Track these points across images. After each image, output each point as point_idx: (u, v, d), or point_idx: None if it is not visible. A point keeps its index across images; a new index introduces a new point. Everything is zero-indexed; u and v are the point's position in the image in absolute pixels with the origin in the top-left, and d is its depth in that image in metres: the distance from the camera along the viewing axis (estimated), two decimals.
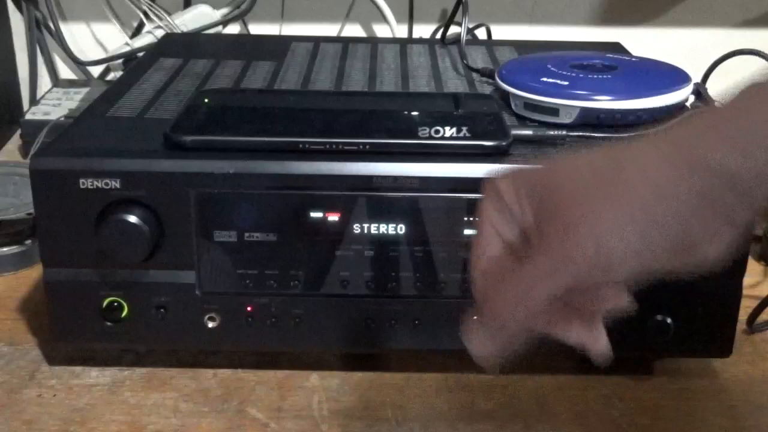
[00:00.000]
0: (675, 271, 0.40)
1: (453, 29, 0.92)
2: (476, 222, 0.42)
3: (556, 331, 0.43)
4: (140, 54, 1.01)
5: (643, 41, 1.08)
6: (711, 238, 0.38)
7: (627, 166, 0.37)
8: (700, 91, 0.69)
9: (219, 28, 1.07)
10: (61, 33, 1.07)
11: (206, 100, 0.63)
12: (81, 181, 0.55)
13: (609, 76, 0.67)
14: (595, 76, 0.66)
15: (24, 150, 0.95)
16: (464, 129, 0.57)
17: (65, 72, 1.12)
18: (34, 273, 0.75)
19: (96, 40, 1.11)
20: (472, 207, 0.56)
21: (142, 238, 0.55)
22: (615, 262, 0.37)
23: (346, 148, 0.57)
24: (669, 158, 0.36)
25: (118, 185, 0.55)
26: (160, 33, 1.03)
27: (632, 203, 0.36)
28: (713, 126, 0.37)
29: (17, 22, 1.09)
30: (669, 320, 0.58)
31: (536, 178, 0.40)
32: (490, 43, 0.91)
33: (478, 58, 0.82)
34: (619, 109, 0.62)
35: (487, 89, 0.73)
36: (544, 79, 0.65)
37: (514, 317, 0.40)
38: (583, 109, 0.62)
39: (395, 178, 0.56)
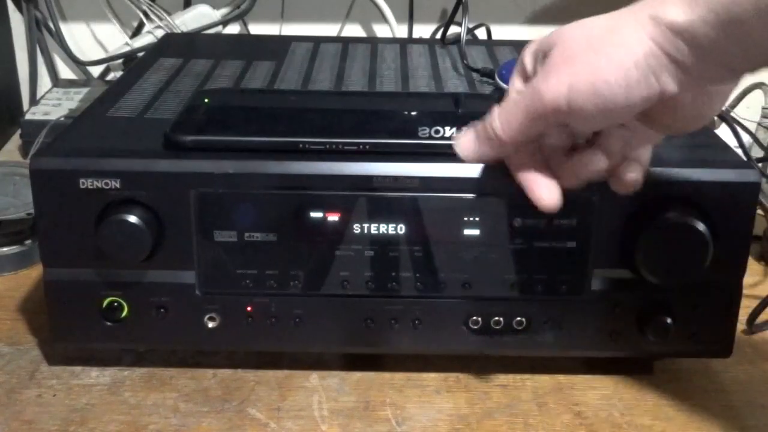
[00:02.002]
0: (646, 123, 0.48)
1: (453, 29, 0.92)
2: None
3: (520, 171, 0.51)
4: (140, 54, 1.01)
5: None
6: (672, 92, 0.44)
7: (610, 35, 0.44)
8: None
9: (219, 28, 1.07)
10: (61, 33, 1.07)
11: (206, 100, 0.63)
12: (81, 181, 0.55)
13: None
14: None
15: (24, 150, 0.95)
16: (464, 129, 0.57)
17: (65, 72, 1.12)
18: (34, 273, 0.75)
19: (96, 40, 1.11)
20: (472, 207, 0.56)
21: (142, 238, 0.55)
22: (577, 112, 0.44)
23: (346, 148, 0.57)
24: (640, 24, 0.43)
25: (118, 185, 0.55)
26: (160, 33, 1.03)
27: (605, 68, 0.43)
28: None
29: (17, 22, 1.09)
30: (669, 320, 0.58)
31: (544, 40, 0.48)
32: (490, 43, 0.91)
33: (478, 58, 0.82)
34: None
35: (487, 89, 0.73)
36: None
37: (497, 130, 0.49)
38: None
39: (395, 178, 0.56)
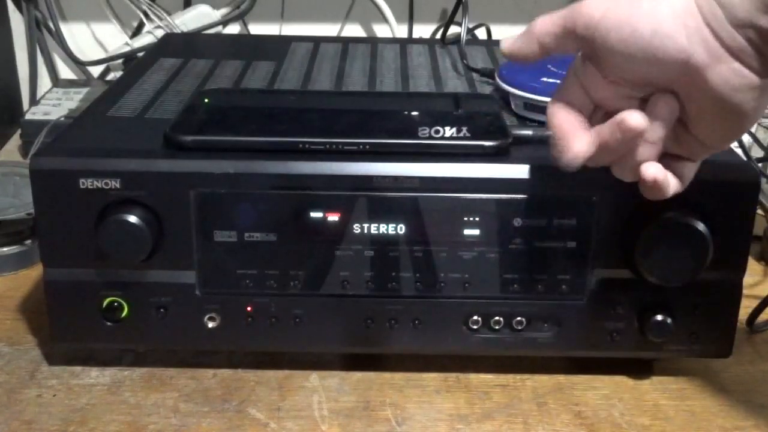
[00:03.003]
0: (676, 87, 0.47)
1: (453, 29, 0.92)
2: None
3: (560, 115, 0.50)
4: (140, 54, 1.01)
5: None
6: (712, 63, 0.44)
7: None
8: None
9: (219, 28, 1.07)
10: (61, 33, 1.07)
11: (206, 100, 0.63)
12: (81, 181, 0.55)
13: None
14: None
15: (24, 150, 0.95)
16: (464, 129, 0.57)
17: (65, 72, 1.12)
18: (34, 273, 0.75)
19: (96, 40, 1.11)
20: (472, 207, 0.56)
21: (142, 238, 0.55)
22: (603, 38, 0.46)
23: (346, 148, 0.57)
24: None
25: (118, 185, 0.55)
26: (160, 33, 1.03)
27: (644, 10, 0.44)
28: None
29: (17, 22, 1.09)
30: (669, 320, 0.58)
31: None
32: (490, 43, 0.91)
33: (478, 58, 0.82)
34: None
35: (487, 89, 0.73)
36: (544, 79, 0.65)
37: (535, 23, 0.50)
38: None
39: (395, 178, 0.56)
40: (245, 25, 1.09)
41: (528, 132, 0.60)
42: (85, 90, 1.01)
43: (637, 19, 0.44)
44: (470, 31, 0.97)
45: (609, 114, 0.49)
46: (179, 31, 1.04)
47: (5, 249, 0.75)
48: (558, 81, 0.64)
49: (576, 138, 0.49)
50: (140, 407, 0.59)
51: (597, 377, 0.62)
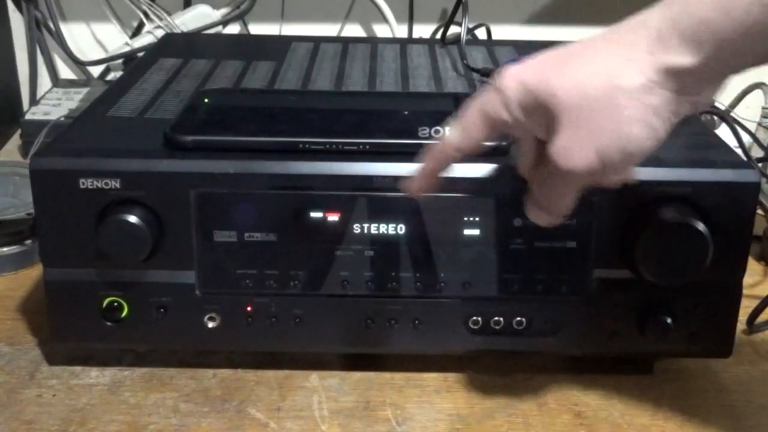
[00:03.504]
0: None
1: (453, 29, 0.92)
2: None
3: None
4: (140, 54, 1.01)
5: None
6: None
7: (617, 95, 0.43)
8: None
9: (219, 28, 1.07)
10: (61, 33, 1.07)
11: (206, 100, 0.63)
12: (81, 181, 0.55)
13: None
14: None
15: (24, 150, 0.95)
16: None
17: (65, 72, 1.12)
18: (34, 273, 0.75)
19: (96, 40, 1.11)
20: (472, 207, 0.56)
21: (142, 238, 0.55)
22: (611, 169, 0.45)
23: (346, 148, 0.57)
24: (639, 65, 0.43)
25: (118, 185, 0.55)
26: (160, 33, 1.03)
27: (626, 129, 0.44)
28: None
29: (17, 22, 1.09)
30: (669, 320, 0.58)
31: (532, 99, 0.46)
32: (490, 43, 0.91)
33: (478, 58, 0.82)
34: None
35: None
36: None
37: (548, 220, 0.51)
38: None
39: (395, 178, 0.56)
40: (245, 25, 1.09)
41: None
42: (85, 90, 1.01)
43: (630, 136, 0.44)
44: (470, 31, 0.97)
45: None
46: (179, 31, 1.04)
47: (5, 249, 0.75)
48: None
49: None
50: (140, 407, 0.59)
51: (597, 377, 0.62)
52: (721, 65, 0.42)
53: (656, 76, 0.43)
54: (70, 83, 1.05)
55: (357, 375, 0.62)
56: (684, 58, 0.42)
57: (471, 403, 0.60)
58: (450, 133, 0.49)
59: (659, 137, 0.44)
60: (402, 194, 0.56)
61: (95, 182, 0.55)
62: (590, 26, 1.09)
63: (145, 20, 1.07)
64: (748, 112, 0.92)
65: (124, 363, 0.63)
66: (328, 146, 0.57)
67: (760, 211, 0.75)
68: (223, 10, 1.07)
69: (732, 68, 0.43)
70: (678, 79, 0.43)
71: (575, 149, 0.44)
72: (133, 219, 0.55)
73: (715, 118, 0.79)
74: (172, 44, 0.88)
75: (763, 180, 0.63)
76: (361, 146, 0.56)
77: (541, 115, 0.45)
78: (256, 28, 1.10)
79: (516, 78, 0.46)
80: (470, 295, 0.59)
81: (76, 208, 0.56)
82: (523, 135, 0.50)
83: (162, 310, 0.58)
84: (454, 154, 0.50)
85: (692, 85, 0.43)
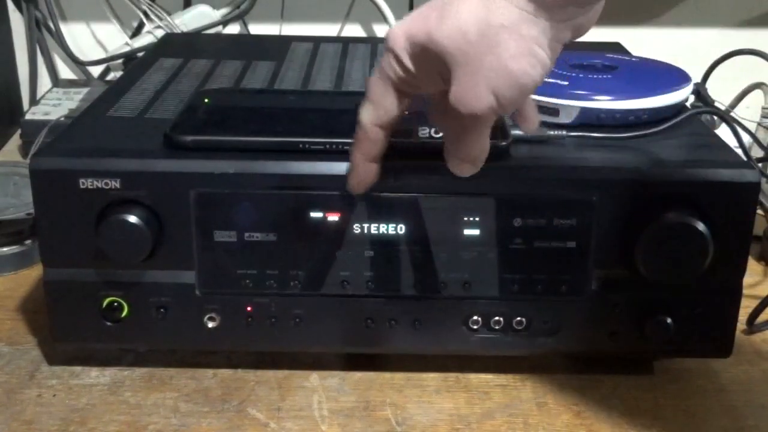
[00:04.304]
0: None
1: None
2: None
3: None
4: (140, 54, 1.01)
5: (643, 41, 1.08)
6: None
7: (496, 33, 0.44)
8: (700, 91, 0.69)
9: (219, 28, 1.07)
10: (61, 33, 1.07)
11: (206, 100, 0.63)
12: (81, 181, 0.55)
13: (609, 76, 0.67)
14: (595, 76, 0.66)
15: (24, 150, 0.95)
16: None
17: (65, 72, 1.12)
18: (34, 273, 0.75)
19: (96, 40, 1.11)
20: (472, 207, 0.56)
21: (142, 238, 0.55)
22: (510, 103, 0.46)
23: (346, 148, 0.56)
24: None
25: (118, 185, 0.55)
26: (160, 33, 1.03)
27: (514, 63, 0.45)
28: None
29: (17, 22, 1.09)
30: (669, 320, 0.58)
31: (417, 44, 0.47)
32: None
33: None
34: (619, 109, 0.62)
35: None
36: (544, 79, 0.65)
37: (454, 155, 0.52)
38: (583, 109, 0.62)
39: (395, 178, 0.56)
40: (245, 25, 1.09)
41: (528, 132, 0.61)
42: (85, 90, 1.01)
43: (521, 70, 0.45)
44: None
45: None
46: (179, 31, 1.04)
47: (5, 249, 0.75)
48: (557, 81, 0.64)
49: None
50: (140, 407, 0.59)
51: (597, 377, 0.62)
52: None
53: (527, 6, 0.44)
54: (70, 83, 1.05)
55: (357, 375, 0.62)
56: None
57: (471, 403, 0.60)
58: (363, 113, 0.50)
59: (545, 65, 0.46)
60: (402, 194, 0.56)
61: (95, 182, 0.55)
62: None
63: (145, 20, 1.07)
64: (748, 112, 0.92)
65: (124, 363, 0.63)
66: (328, 146, 0.57)
67: (760, 211, 0.75)
68: (223, 10, 1.07)
69: None
70: (545, 7, 0.44)
71: (470, 92, 0.45)
72: (133, 219, 0.55)
73: (715, 118, 0.79)
74: (172, 44, 0.88)
75: (763, 180, 0.63)
76: None
77: (434, 64, 0.46)
78: (256, 28, 1.10)
79: (401, 33, 0.47)
80: (470, 295, 0.59)
81: (76, 208, 0.56)
82: (426, 89, 0.50)
83: (162, 310, 0.58)
84: (376, 132, 0.51)
85: (559, 11, 0.44)
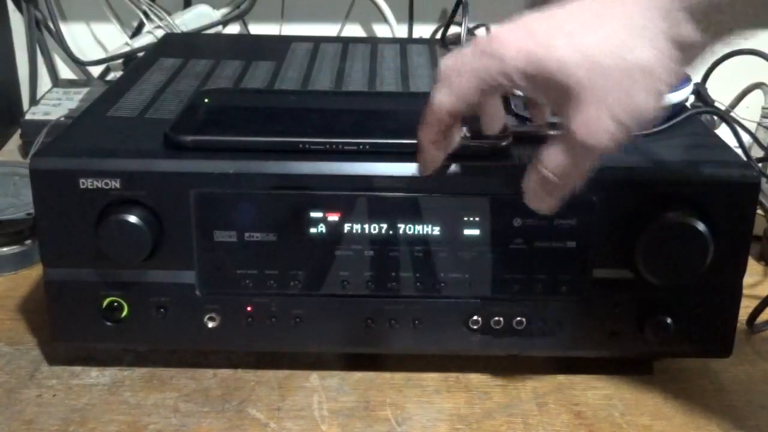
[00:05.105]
0: None
1: (453, 29, 0.92)
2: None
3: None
4: (140, 54, 1.01)
5: None
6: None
7: (638, 73, 0.43)
8: (700, 91, 0.69)
9: (219, 28, 1.07)
10: (61, 33, 1.07)
11: (206, 100, 0.63)
12: (81, 181, 0.55)
13: None
14: None
15: (24, 150, 0.95)
16: (464, 129, 0.57)
17: (65, 72, 1.12)
18: (34, 273, 0.75)
19: (96, 40, 1.11)
20: (472, 207, 0.56)
21: (142, 238, 0.55)
22: (628, 135, 0.45)
23: (346, 148, 0.57)
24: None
25: (118, 185, 0.55)
26: (160, 33, 1.03)
27: (643, 99, 0.44)
28: None
29: (17, 22, 1.09)
30: (669, 320, 0.58)
31: (542, 70, 0.44)
32: None
33: None
34: None
35: None
36: None
37: (556, 179, 0.48)
38: None
39: (395, 178, 0.56)
40: (245, 25, 1.09)
41: (528, 132, 0.60)
42: (85, 90, 1.01)
43: (646, 107, 0.45)
44: (470, 31, 0.96)
45: None
46: (179, 31, 1.04)
47: (5, 249, 0.75)
48: None
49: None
50: (140, 407, 0.59)
51: (597, 377, 0.62)
52: (720, 35, 0.44)
53: (666, 48, 0.43)
54: (70, 83, 1.05)
55: (357, 375, 0.62)
56: (691, 32, 0.43)
57: (471, 403, 0.60)
58: (440, 97, 0.48)
59: (663, 100, 0.45)
60: (402, 194, 0.56)
61: (95, 182, 0.55)
62: None
63: (145, 20, 1.07)
64: (748, 112, 0.92)
65: (124, 363, 0.63)
66: (328, 146, 0.57)
67: (760, 211, 0.75)
68: (223, 10, 1.07)
69: (725, 35, 0.45)
70: (684, 51, 0.44)
71: (595, 124, 0.44)
72: (133, 219, 0.55)
73: (715, 118, 0.79)
74: (172, 44, 0.88)
75: (763, 180, 0.63)
76: (361, 146, 0.56)
77: (549, 85, 0.45)
78: (256, 28, 1.10)
79: (516, 46, 0.45)
80: (470, 295, 0.59)
81: (76, 208, 0.56)
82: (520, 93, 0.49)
83: (162, 310, 0.58)
84: (447, 118, 0.49)
85: (695, 55, 0.44)
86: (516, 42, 0.45)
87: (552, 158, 0.47)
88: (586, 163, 0.47)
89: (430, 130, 0.50)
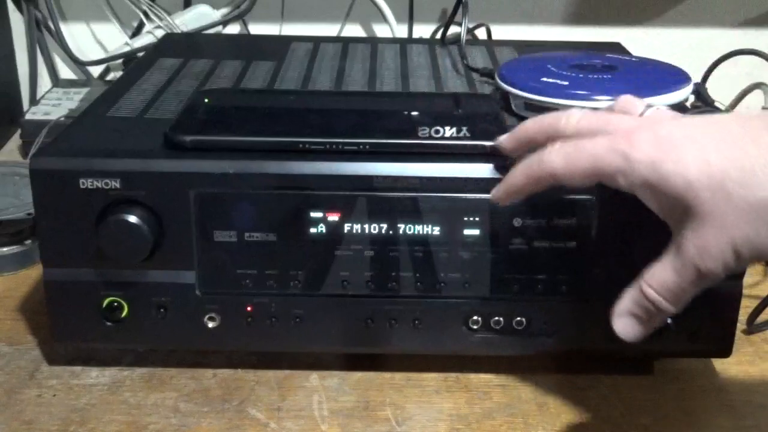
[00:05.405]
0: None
1: (453, 29, 0.92)
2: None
3: None
4: (140, 54, 1.01)
5: (643, 41, 1.08)
6: None
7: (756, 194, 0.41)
8: (700, 91, 0.69)
9: (219, 28, 1.07)
10: (61, 33, 1.07)
11: (206, 100, 0.63)
12: (81, 181, 0.55)
13: (609, 76, 0.67)
14: (595, 76, 0.66)
15: (24, 150, 0.95)
16: (464, 129, 0.57)
17: (65, 72, 1.12)
18: (34, 273, 0.75)
19: (96, 40, 1.11)
20: (472, 207, 0.56)
21: (142, 238, 0.55)
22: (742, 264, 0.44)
23: (346, 148, 0.57)
24: None
25: (118, 185, 0.55)
26: (160, 33, 1.03)
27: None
28: None
29: (17, 22, 1.09)
30: (669, 320, 0.58)
31: (666, 186, 0.44)
32: (490, 43, 0.91)
33: (478, 58, 0.82)
34: None
35: (487, 89, 0.73)
36: (544, 79, 0.65)
37: (668, 308, 0.47)
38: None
39: (395, 178, 0.56)
40: (245, 25, 1.09)
41: None
42: (85, 90, 1.01)
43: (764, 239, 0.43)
44: (470, 31, 0.97)
45: None
46: (179, 31, 1.04)
47: (5, 249, 0.75)
48: (558, 81, 0.64)
49: None
50: (140, 407, 0.59)
51: (597, 377, 0.62)
52: None
53: None
54: (70, 83, 1.05)
55: (357, 375, 0.63)
56: None
57: (471, 403, 0.60)
58: (552, 158, 0.48)
59: None
60: (402, 194, 0.56)
61: (95, 182, 0.55)
62: (589, 27, 1.09)
63: (145, 20, 1.07)
64: (748, 112, 0.92)
65: (124, 363, 0.63)
66: (328, 146, 0.57)
67: None
68: (223, 10, 1.07)
69: None
70: None
71: (713, 251, 0.43)
72: (133, 219, 0.55)
73: None
74: (172, 44, 0.88)
75: None
76: (361, 146, 0.56)
77: (670, 200, 0.44)
78: (256, 28, 1.10)
79: (648, 157, 0.44)
80: (470, 295, 0.59)
81: (76, 208, 0.56)
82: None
83: (162, 310, 0.58)
84: (548, 180, 0.48)
85: None
86: (648, 154, 0.44)
87: (659, 275, 0.46)
88: (694, 289, 0.45)
89: (526, 179, 0.50)
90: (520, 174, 0.50)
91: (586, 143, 0.46)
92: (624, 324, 0.48)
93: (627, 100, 0.52)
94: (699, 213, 0.43)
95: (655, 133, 0.44)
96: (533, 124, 0.52)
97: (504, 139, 0.54)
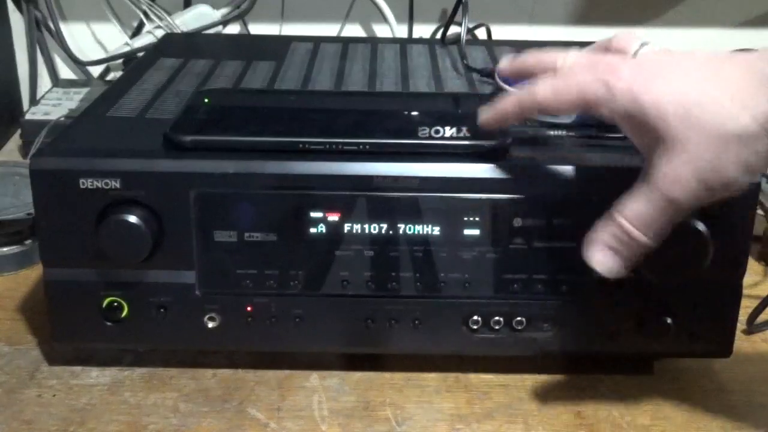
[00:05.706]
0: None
1: (453, 29, 0.92)
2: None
3: None
4: (140, 54, 1.01)
5: None
6: None
7: (735, 135, 0.43)
8: None
9: (219, 28, 1.07)
10: (61, 33, 1.07)
11: (206, 100, 0.63)
12: (81, 181, 0.55)
13: None
14: None
15: (24, 150, 0.95)
16: (464, 129, 0.57)
17: (65, 72, 1.12)
18: (34, 273, 0.75)
19: (96, 40, 1.11)
20: (472, 207, 0.56)
21: (142, 238, 0.55)
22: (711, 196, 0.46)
23: (346, 148, 0.57)
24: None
25: (118, 185, 0.55)
26: (160, 33, 1.03)
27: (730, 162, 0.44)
28: None
29: (17, 22, 1.09)
30: (669, 320, 0.58)
31: (639, 108, 0.46)
32: (490, 43, 0.91)
33: (478, 58, 0.82)
34: None
35: (487, 89, 0.73)
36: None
37: (641, 238, 0.49)
38: None
39: (395, 178, 0.56)
40: (245, 25, 1.09)
41: (528, 132, 0.61)
42: (85, 90, 1.01)
43: (733, 173, 0.45)
44: (470, 31, 0.97)
45: None
46: (179, 31, 1.04)
47: (5, 249, 0.75)
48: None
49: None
50: (140, 407, 0.59)
51: (597, 377, 0.62)
52: None
53: (767, 124, 0.43)
54: (70, 83, 1.05)
55: (357, 375, 0.63)
56: None
57: (471, 403, 0.60)
58: (541, 88, 0.50)
59: (757, 174, 0.46)
60: (402, 194, 0.56)
61: (95, 182, 0.55)
62: (590, 26, 1.09)
63: (145, 20, 1.07)
64: None
65: (124, 363, 0.63)
66: (328, 146, 0.57)
67: (760, 211, 0.75)
68: (223, 10, 1.07)
69: None
70: None
71: (681, 180, 0.45)
72: (133, 219, 0.55)
73: None
74: (172, 44, 0.88)
75: (763, 180, 0.63)
76: (361, 146, 0.56)
77: (644, 128, 0.46)
78: (256, 28, 1.10)
79: (628, 87, 0.46)
80: (470, 295, 0.59)
81: (76, 208, 0.56)
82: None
83: (162, 310, 0.58)
84: (535, 108, 0.51)
85: None
86: (629, 85, 0.46)
87: (630, 205, 0.48)
88: (665, 218, 0.47)
89: (514, 106, 0.52)
90: (509, 101, 0.52)
91: (575, 76, 0.49)
92: (600, 257, 0.50)
93: (623, 36, 0.55)
94: (668, 141, 0.45)
95: (638, 65, 0.47)
96: (533, 57, 0.55)
97: (504, 65, 0.57)
